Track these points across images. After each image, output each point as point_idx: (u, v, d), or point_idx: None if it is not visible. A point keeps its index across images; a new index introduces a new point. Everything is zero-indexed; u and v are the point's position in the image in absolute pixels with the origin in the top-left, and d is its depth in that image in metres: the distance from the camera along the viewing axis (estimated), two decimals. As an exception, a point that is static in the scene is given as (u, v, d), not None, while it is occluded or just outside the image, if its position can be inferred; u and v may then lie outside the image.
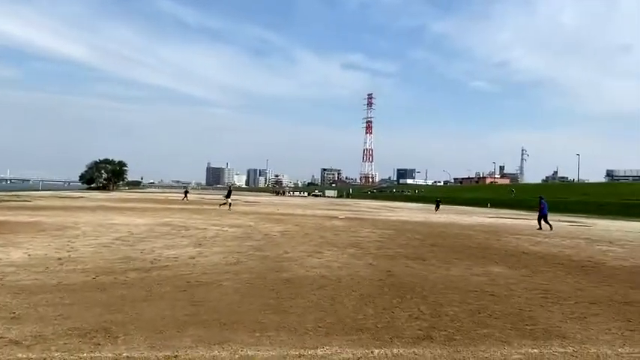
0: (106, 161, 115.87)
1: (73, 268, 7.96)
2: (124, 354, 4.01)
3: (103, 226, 15.85)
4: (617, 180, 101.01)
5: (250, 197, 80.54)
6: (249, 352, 4.09)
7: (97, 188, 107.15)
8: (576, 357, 4.26)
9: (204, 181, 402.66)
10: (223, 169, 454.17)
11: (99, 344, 4.24)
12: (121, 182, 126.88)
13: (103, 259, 8.98)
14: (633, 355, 4.38)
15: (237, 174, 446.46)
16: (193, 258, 9.52)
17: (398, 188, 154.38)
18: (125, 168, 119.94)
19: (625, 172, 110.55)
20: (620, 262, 11.18)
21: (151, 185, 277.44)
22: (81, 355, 3.96)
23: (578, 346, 4.57)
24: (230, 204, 32.43)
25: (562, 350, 4.44)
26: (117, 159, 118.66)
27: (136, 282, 7.05)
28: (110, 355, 3.97)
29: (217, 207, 32.54)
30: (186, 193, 56.73)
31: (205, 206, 35.88)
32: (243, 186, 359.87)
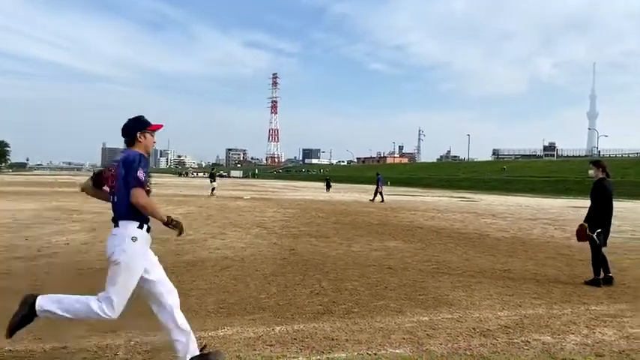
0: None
1: (-57, 260, 7.14)
2: (7, 347, 3.68)
3: (-20, 213, 14.35)
4: (502, 158, 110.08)
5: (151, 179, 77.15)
6: (146, 339, 3.95)
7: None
8: (461, 322, 4.62)
9: (99, 163, 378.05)
10: (120, 149, 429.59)
11: (-25, 340, 3.86)
12: (3, 164, 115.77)
13: (-20, 249, 8.15)
14: (510, 317, 4.84)
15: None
16: (86, 244, 8.95)
17: (303, 168, 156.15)
18: (7, 148, 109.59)
19: (509, 151, 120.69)
20: (502, 234, 12.27)
21: (39, 167, 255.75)
22: (-47, 354, 3.58)
23: (463, 312, 4.96)
24: (214, 188, 28.15)
25: (449, 316, 4.80)
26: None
27: (20, 272, 6.49)
28: (-11, 350, 3.64)
29: (210, 196, 27.13)
30: None
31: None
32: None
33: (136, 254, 3.13)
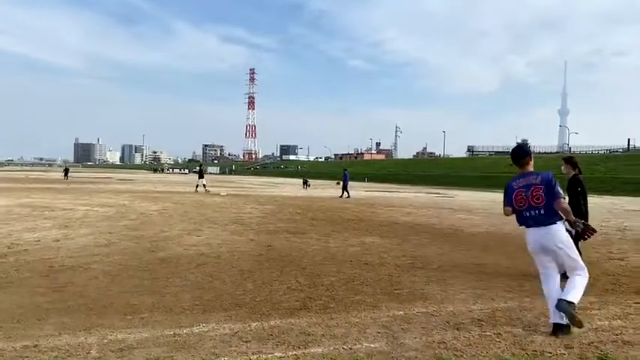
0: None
1: None
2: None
3: (-53, 210, 13.91)
4: (477, 155, 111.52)
5: (125, 175, 75.99)
6: (120, 336, 3.89)
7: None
8: (436, 316, 4.68)
9: (72, 158, 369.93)
10: (94, 144, 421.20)
11: (-59, 341, 3.75)
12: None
13: (-54, 247, 7.90)
14: (483, 310, 4.93)
15: (110, 150, 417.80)
16: (58, 241, 8.77)
17: (281, 164, 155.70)
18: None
19: (483, 147, 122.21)
20: (477, 229, 12.47)
21: (10, 163, 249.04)
22: None
23: (437, 306, 5.03)
24: (202, 185, 28.34)
25: (424, 310, 4.86)
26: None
27: (-13, 270, 6.32)
28: (-45, 351, 3.54)
29: (196, 190, 27.73)
30: (66, 172, 50.59)
31: (73, 185, 33.13)
32: (117, 163, 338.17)
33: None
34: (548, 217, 4.34)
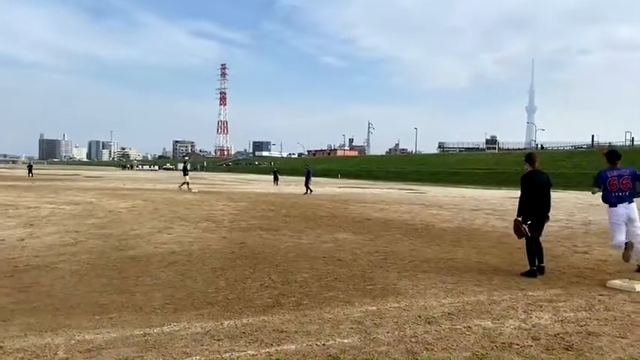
0: None
1: None
2: None
3: None
4: (447, 151, 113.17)
5: (93, 172, 74.33)
6: (88, 337, 3.81)
7: None
8: (407, 310, 4.74)
9: (36, 155, 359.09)
10: (59, 141, 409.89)
11: None
12: None
13: None
14: (453, 304, 5.01)
15: (76, 146, 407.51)
16: (23, 240, 8.52)
17: (253, 161, 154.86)
18: None
19: (454, 144, 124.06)
20: (447, 224, 12.67)
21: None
22: None
23: (409, 301, 5.09)
24: (185, 182, 26.71)
25: (396, 305, 4.91)
26: None
27: (-53, 271, 6.09)
28: None
29: (179, 188, 26.57)
30: (30, 168, 48.49)
31: (38, 182, 32.20)
32: (84, 159, 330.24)
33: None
34: (631, 198, 6.32)
